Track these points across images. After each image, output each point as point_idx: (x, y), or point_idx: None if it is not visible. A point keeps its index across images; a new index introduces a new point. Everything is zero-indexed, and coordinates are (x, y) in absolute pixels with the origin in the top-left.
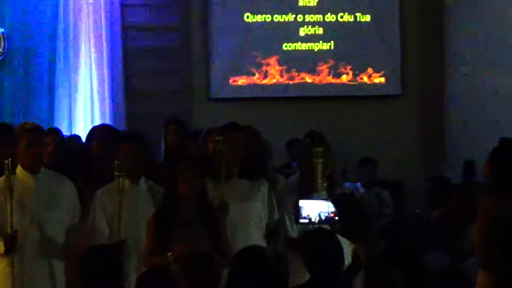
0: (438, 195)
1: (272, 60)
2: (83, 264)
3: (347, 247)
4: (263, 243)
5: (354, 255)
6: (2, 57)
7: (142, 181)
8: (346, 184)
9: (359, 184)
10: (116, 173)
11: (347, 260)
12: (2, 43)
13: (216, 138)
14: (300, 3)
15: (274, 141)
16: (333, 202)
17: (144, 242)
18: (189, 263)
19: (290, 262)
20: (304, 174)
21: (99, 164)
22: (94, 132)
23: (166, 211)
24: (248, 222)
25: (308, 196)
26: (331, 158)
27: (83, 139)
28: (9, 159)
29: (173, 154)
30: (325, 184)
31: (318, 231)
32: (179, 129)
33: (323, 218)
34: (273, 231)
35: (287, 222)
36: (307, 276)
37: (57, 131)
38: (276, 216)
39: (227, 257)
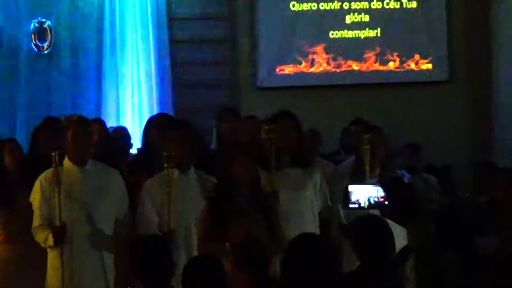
0: (484, 180)
1: (319, 48)
2: (132, 254)
3: (400, 232)
4: (316, 231)
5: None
6: (49, 50)
7: (192, 171)
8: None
9: (404, 171)
10: (165, 165)
11: (399, 244)
12: (49, 36)
13: (267, 126)
14: None
15: (321, 129)
16: (381, 186)
17: (195, 230)
18: (239, 249)
19: (343, 248)
20: (357, 161)
21: (157, 153)
22: (152, 121)
23: (221, 198)
24: (301, 210)
25: (360, 181)
26: (382, 144)
27: (129, 131)
28: (56, 151)
29: (226, 142)
30: (378, 171)
31: (369, 217)
32: (233, 117)
33: (372, 202)
34: (326, 219)
35: (340, 209)
36: (357, 262)
37: (101, 122)
38: (329, 204)
39: (280, 244)
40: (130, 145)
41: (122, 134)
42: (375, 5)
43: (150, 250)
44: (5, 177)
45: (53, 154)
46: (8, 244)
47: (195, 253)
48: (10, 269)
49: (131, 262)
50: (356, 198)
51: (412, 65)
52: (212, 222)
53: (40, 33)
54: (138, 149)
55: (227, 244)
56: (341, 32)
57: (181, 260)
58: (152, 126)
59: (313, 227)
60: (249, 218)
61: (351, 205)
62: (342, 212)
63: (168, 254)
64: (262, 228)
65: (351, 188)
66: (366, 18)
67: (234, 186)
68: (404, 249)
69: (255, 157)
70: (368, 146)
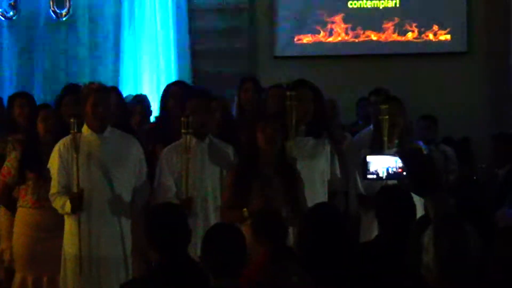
0: (504, 152)
1: (337, 18)
2: (149, 222)
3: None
4: (325, 200)
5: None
6: (67, 17)
7: (207, 138)
8: None
9: (420, 142)
10: (183, 131)
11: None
12: (68, 4)
13: (288, 93)
14: None
15: (339, 99)
16: (400, 157)
17: (212, 198)
18: (258, 218)
19: (360, 218)
20: (375, 131)
21: (174, 122)
22: (169, 90)
23: (246, 166)
24: (314, 179)
25: (378, 152)
26: (401, 115)
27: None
28: (75, 118)
29: (247, 111)
30: (396, 141)
31: (392, 188)
32: (254, 87)
33: (391, 173)
34: (339, 190)
35: (358, 179)
36: (376, 232)
37: (116, 90)
38: (338, 175)
39: (299, 216)
40: (149, 113)
41: (142, 101)
42: None
43: (167, 218)
44: (37, 143)
45: (71, 120)
46: (37, 209)
47: (212, 220)
48: (38, 234)
49: (148, 230)
50: (375, 169)
51: (431, 36)
52: (235, 190)
53: (59, 0)
54: (156, 117)
55: (244, 210)
56: (359, 2)
57: (198, 227)
58: (169, 95)
59: (323, 196)
60: (271, 188)
61: (369, 176)
62: (360, 182)
63: (184, 222)
64: (283, 199)
65: (369, 158)
66: None
67: (258, 155)
68: (422, 219)
69: (280, 126)
70: (387, 117)
